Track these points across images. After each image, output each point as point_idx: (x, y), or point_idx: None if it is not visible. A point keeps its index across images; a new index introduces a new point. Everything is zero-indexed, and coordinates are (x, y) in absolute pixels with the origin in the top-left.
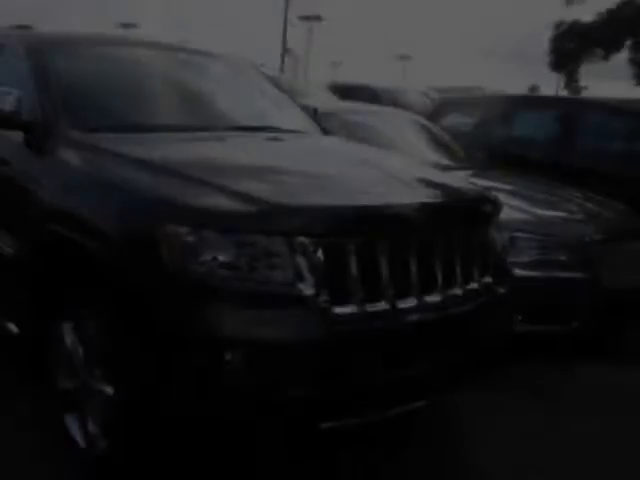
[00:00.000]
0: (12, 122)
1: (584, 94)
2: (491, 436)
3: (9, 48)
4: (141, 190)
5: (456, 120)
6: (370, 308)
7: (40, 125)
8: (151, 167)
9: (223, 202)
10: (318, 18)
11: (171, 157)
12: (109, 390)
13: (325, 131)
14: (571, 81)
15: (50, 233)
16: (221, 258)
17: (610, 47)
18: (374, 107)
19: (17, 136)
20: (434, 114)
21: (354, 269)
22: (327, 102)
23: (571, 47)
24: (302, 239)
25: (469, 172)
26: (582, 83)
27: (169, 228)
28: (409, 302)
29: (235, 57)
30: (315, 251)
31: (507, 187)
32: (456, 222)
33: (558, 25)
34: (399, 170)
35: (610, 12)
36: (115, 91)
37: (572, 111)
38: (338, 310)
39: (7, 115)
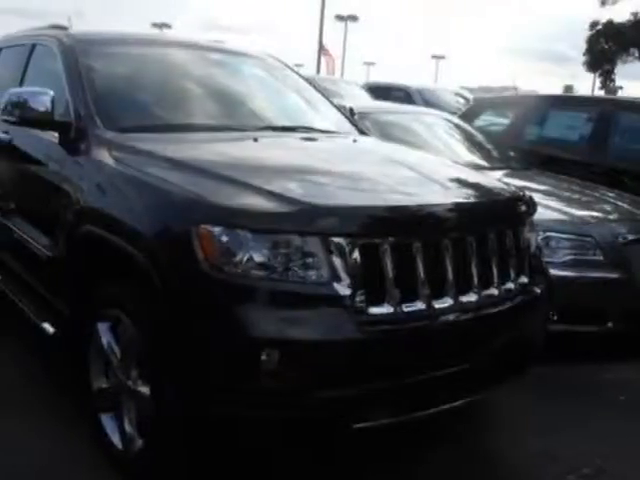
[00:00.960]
0: (46, 122)
1: (620, 94)
2: (522, 435)
3: (43, 48)
4: (175, 190)
5: (490, 120)
6: (406, 308)
7: (74, 125)
8: (185, 167)
9: (257, 202)
10: (354, 18)
11: (205, 157)
12: (145, 390)
13: (361, 131)
14: (607, 81)
15: (85, 233)
16: (256, 258)
17: None
18: (408, 107)
19: (52, 136)
20: (468, 114)
21: (389, 269)
22: (362, 102)
23: (606, 47)
24: (337, 239)
25: (503, 172)
26: (618, 83)
27: (203, 228)
28: (445, 302)
29: (269, 57)
30: (350, 251)
31: (541, 187)
32: (491, 222)
33: (593, 25)
34: (433, 170)
35: None
36: (149, 91)
37: (606, 111)
38: (374, 310)
39: (41, 115)
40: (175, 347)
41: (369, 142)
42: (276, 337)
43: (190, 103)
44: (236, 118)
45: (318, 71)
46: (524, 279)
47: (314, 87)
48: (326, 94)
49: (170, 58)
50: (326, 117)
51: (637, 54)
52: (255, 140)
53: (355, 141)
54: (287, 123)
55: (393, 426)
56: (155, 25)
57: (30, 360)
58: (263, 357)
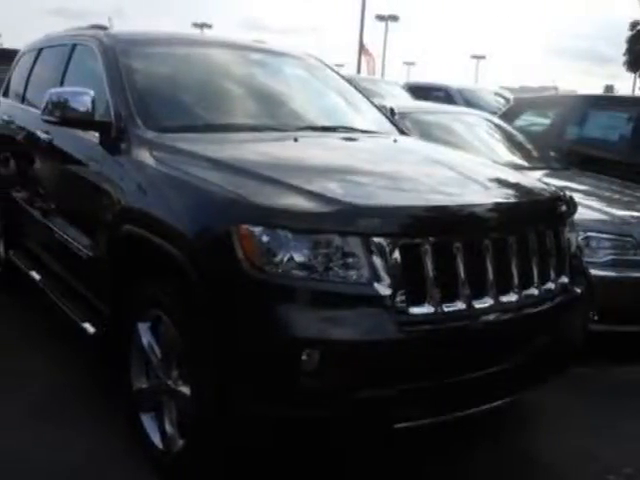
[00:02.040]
0: (87, 122)
1: None
2: (563, 435)
3: (84, 48)
4: (216, 190)
5: (530, 120)
6: (446, 308)
7: (114, 125)
8: (226, 167)
9: (298, 202)
10: (394, 18)
11: (245, 157)
12: (186, 390)
13: (402, 131)
14: None
15: (126, 233)
16: (296, 258)
17: None
18: (448, 107)
19: (92, 136)
20: (508, 114)
21: (430, 269)
22: (402, 102)
23: None
24: (377, 239)
25: (543, 172)
26: None
27: (244, 228)
28: (485, 302)
29: (310, 57)
30: (391, 251)
31: (581, 187)
32: (531, 222)
33: (634, 25)
34: (474, 170)
35: None
36: (189, 91)
37: None
38: (414, 310)
39: (82, 115)
40: (215, 347)
41: (409, 142)
42: (317, 337)
43: (230, 103)
44: (277, 118)
45: (358, 71)
46: (564, 279)
47: (354, 87)
48: (366, 94)
49: (210, 58)
50: (366, 117)
51: None
52: (295, 140)
53: (395, 141)
54: (327, 123)
55: (433, 426)
56: (195, 25)
57: (71, 360)
58: (304, 357)
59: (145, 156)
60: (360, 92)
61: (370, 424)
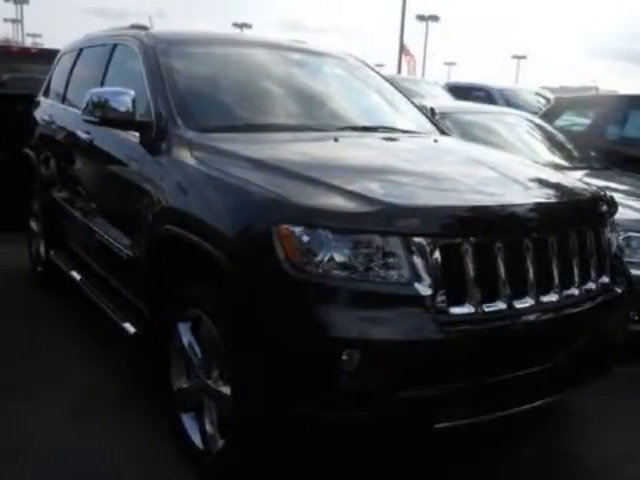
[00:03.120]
0: (127, 122)
1: None
2: (601, 435)
3: (124, 48)
4: (256, 190)
5: (571, 120)
6: (487, 308)
7: (155, 125)
8: (266, 167)
9: (338, 202)
10: (435, 18)
11: (285, 157)
12: (226, 390)
13: (442, 131)
14: None
15: (166, 233)
16: (337, 258)
17: None
18: (488, 107)
19: (132, 136)
20: (548, 114)
21: (470, 269)
22: (442, 102)
23: None
24: (418, 239)
25: (584, 172)
26: None
27: (284, 228)
28: (526, 302)
29: (350, 57)
30: (431, 251)
31: (622, 187)
32: (571, 222)
33: None
34: (514, 170)
35: None
36: (229, 91)
37: None
38: (455, 310)
39: (122, 115)
40: (255, 347)
41: (450, 142)
42: (357, 337)
43: (270, 103)
44: (317, 118)
45: (399, 71)
46: (605, 279)
47: (395, 87)
48: (407, 94)
49: (251, 58)
50: (407, 117)
51: None
52: (336, 140)
53: (436, 141)
54: (368, 123)
55: (474, 425)
56: (236, 25)
57: (111, 360)
58: (344, 357)
59: (185, 156)
60: (400, 92)
61: (410, 424)
